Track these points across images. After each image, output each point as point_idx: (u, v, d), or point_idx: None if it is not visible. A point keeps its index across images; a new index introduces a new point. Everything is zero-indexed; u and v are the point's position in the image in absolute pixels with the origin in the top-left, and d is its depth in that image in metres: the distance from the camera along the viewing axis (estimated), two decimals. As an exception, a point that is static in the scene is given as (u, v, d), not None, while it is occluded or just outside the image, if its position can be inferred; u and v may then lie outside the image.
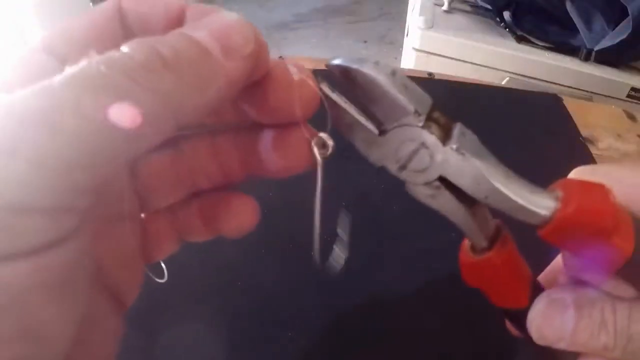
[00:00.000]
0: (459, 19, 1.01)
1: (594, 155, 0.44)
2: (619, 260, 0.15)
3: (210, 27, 0.13)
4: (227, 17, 0.13)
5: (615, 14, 0.86)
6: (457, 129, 0.16)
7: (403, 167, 0.16)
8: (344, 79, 0.15)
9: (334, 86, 0.15)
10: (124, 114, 0.10)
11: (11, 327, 0.09)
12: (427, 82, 0.52)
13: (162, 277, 0.19)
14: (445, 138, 0.15)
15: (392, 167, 0.16)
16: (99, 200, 0.11)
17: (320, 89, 0.15)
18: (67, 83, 0.10)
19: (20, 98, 0.10)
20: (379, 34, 2.20)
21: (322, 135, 0.15)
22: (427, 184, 0.16)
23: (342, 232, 0.20)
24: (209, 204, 0.18)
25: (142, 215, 0.17)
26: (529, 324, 0.17)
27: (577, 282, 0.17)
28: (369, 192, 0.37)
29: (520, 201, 0.15)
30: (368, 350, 0.28)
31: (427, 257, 0.33)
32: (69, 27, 0.14)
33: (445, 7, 1.01)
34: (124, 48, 0.11)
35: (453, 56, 0.94)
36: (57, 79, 0.10)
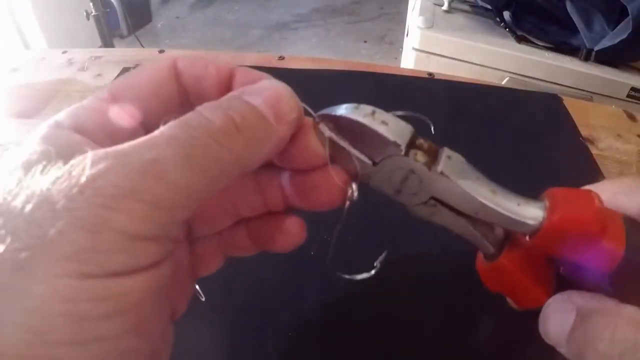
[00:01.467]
0: (459, 19, 1.01)
1: (594, 155, 0.44)
2: (612, 261, 0.15)
3: (264, 94, 0.15)
4: (278, 86, 0.16)
5: (615, 14, 0.86)
6: (444, 153, 0.17)
7: (399, 192, 0.18)
8: (335, 123, 0.17)
9: (330, 127, 0.17)
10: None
11: (128, 324, 0.12)
12: (427, 82, 0.52)
13: (202, 296, 0.21)
14: (432, 162, 0.17)
15: (390, 192, 0.18)
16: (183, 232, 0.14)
17: (318, 129, 0.17)
18: (169, 143, 0.13)
19: (136, 150, 0.13)
20: (379, 34, 2.20)
21: (354, 186, 0.18)
22: (424, 203, 0.17)
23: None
24: (257, 226, 0.20)
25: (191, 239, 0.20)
26: (539, 323, 0.17)
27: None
28: (369, 192, 0.37)
29: (508, 214, 0.16)
30: (368, 350, 0.28)
31: (427, 257, 0.33)
32: (130, 80, 0.17)
33: (445, 7, 1.01)
34: (203, 111, 0.14)
35: (453, 56, 0.94)
36: (160, 137, 0.13)
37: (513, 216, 0.16)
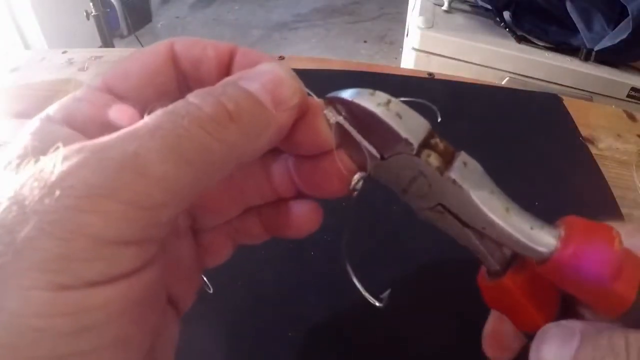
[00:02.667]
0: (459, 19, 1.01)
1: (594, 155, 0.44)
2: (621, 307, 0.14)
3: (262, 79, 0.14)
4: (277, 69, 0.14)
5: (615, 14, 0.86)
6: (459, 158, 0.16)
7: (405, 191, 0.16)
8: (346, 108, 0.16)
9: (339, 110, 0.16)
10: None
11: (109, 337, 0.11)
12: (427, 82, 0.52)
13: (209, 288, 0.20)
14: (445, 166, 0.15)
15: (396, 190, 0.17)
16: (169, 232, 0.13)
17: (325, 115, 0.16)
18: (153, 135, 0.12)
19: (114, 144, 0.11)
20: (379, 34, 2.20)
21: (358, 175, 0.17)
22: (430, 208, 0.16)
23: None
24: (269, 213, 0.19)
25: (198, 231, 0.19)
26: (532, 347, 0.16)
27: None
28: (369, 192, 0.37)
29: (519, 236, 0.15)
30: (368, 350, 0.28)
31: (427, 257, 0.33)
32: (125, 68, 0.16)
33: (445, 7, 1.01)
34: (193, 99, 0.13)
35: (453, 56, 0.94)
36: (142, 128, 0.12)
37: (523, 240, 0.15)
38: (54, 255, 0.10)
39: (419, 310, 0.30)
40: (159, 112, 0.12)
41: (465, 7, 1.05)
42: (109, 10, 1.53)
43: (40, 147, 0.12)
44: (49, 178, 0.11)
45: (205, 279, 0.20)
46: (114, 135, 0.12)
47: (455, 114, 0.46)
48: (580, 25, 0.89)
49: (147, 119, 0.12)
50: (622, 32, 0.83)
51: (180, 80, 0.16)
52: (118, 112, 0.15)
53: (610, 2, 0.86)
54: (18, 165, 0.11)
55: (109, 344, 0.11)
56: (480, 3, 1.00)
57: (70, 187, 0.11)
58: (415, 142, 0.15)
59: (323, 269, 0.31)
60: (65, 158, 0.11)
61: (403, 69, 0.76)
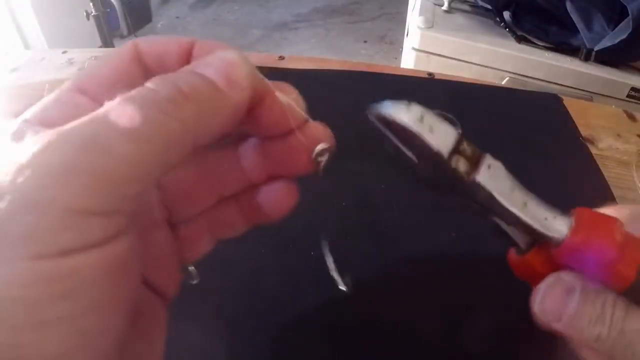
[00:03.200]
0: (459, 19, 1.01)
1: (594, 155, 0.44)
2: (620, 285, 0.17)
3: (216, 65, 0.15)
4: (229, 55, 0.15)
5: (615, 14, 0.87)
6: (485, 161, 0.18)
7: (436, 185, 0.19)
8: (382, 121, 0.18)
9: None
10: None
11: (83, 303, 0.12)
12: (427, 82, 0.52)
13: (193, 279, 0.21)
14: (471, 170, 0.18)
15: (428, 182, 0.19)
16: (138, 208, 0.14)
17: (371, 118, 0.18)
18: (112, 115, 0.13)
19: (77, 127, 0.12)
20: (379, 34, 2.20)
21: (320, 146, 0.18)
22: (460, 195, 0.19)
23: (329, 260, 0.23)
24: (246, 201, 0.20)
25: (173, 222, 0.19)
26: (533, 297, 0.19)
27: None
28: (369, 192, 0.37)
29: (536, 226, 0.18)
30: (368, 350, 0.28)
31: (427, 257, 0.33)
32: (94, 70, 0.17)
33: (445, 7, 1.01)
34: (150, 84, 0.14)
35: (453, 56, 0.94)
36: (103, 112, 0.13)
37: (539, 229, 0.18)
38: (29, 227, 0.11)
39: (420, 311, 0.30)
40: (118, 98, 0.13)
41: (465, 7, 1.05)
42: (109, 10, 1.54)
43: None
44: (19, 159, 0.12)
45: (192, 269, 0.21)
46: (77, 120, 0.13)
47: (455, 114, 0.46)
48: (580, 25, 0.89)
49: (107, 104, 0.13)
50: (622, 32, 0.83)
51: (147, 77, 0.17)
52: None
53: (610, 2, 0.86)
54: None
55: (83, 310, 0.12)
56: (480, 3, 1.00)
57: (39, 165, 0.12)
58: (446, 151, 0.17)
59: (323, 269, 0.31)
60: (34, 142, 0.12)
61: (403, 69, 0.76)
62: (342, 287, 0.22)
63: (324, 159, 0.18)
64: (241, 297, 0.29)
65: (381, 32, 2.21)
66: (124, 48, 0.17)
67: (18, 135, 0.14)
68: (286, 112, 0.17)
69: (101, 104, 0.15)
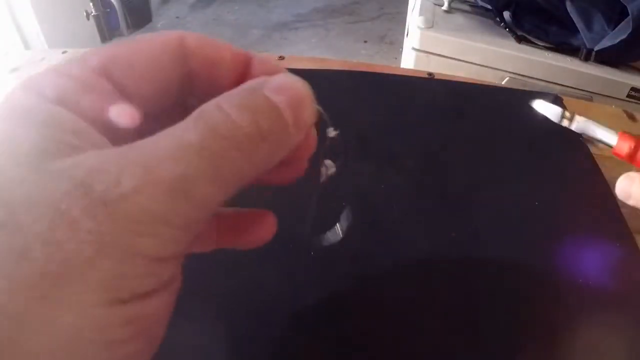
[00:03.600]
0: (459, 19, 1.01)
1: (594, 155, 0.44)
2: None
3: (287, 94, 0.14)
4: (300, 87, 0.14)
5: (615, 14, 0.86)
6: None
7: None
8: None
9: None
10: None
11: (148, 340, 0.13)
12: (427, 82, 0.52)
13: None
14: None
15: None
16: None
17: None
18: (200, 155, 0.12)
19: (162, 163, 0.11)
20: (379, 34, 2.20)
21: (327, 162, 0.18)
22: None
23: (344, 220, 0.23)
24: (224, 221, 0.19)
25: None
26: (621, 183, 0.28)
27: None
28: (369, 192, 0.37)
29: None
30: (368, 350, 0.28)
31: (427, 257, 0.33)
32: (130, 57, 0.15)
33: (445, 7, 1.01)
34: (229, 110, 0.13)
35: (453, 56, 0.94)
36: (189, 148, 0.12)
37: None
38: (112, 275, 0.11)
39: (420, 311, 0.30)
40: (200, 125, 0.12)
41: (465, 7, 1.05)
42: (109, 10, 1.53)
43: (51, 135, 0.12)
44: (104, 198, 0.11)
45: None
46: (162, 149, 0.12)
47: (455, 114, 0.46)
48: (580, 25, 0.89)
49: (185, 131, 0.12)
50: (622, 32, 0.83)
51: (185, 79, 0.16)
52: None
53: (610, 2, 0.86)
54: (41, 162, 0.11)
55: (145, 347, 0.13)
56: (480, 3, 1.00)
57: (128, 211, 0.11)
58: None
59: (323, 269, 0.31)
60: (120, 178, 0.11)
61: (403, 69, 0.76)
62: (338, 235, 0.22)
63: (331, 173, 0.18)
64: (240, 297, 0.29)
65: (381, 32, 2.20)
66: (169, 39, 0.15)
67: (31, 115, 0.12)
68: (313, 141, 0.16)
69: (129, 97, 0.14)
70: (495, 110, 0.49)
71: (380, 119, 0.44)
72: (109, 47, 0.15)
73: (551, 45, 0.93)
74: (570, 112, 0.34)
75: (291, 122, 0.14)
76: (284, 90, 0.14)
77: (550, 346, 0.28)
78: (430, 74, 0.53)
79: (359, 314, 0.29)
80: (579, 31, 0.90)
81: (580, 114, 0.49)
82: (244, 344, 0.27)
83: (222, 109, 0.13)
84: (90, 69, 0.14)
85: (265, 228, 0.19)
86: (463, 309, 0.30)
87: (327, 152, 0.18)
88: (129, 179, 0.11)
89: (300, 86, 0.14)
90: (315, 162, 0.18)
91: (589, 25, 0.89)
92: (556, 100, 0.52)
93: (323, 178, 0.18)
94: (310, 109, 0.14)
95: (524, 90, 0.55)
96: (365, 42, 2.14)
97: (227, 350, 0.27)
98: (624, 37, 0.82)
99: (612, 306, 0.31)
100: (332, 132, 0.18)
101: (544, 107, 0.38)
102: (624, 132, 0.35)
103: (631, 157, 0.34)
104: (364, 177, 0.38)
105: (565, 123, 0.35)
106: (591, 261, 0.33)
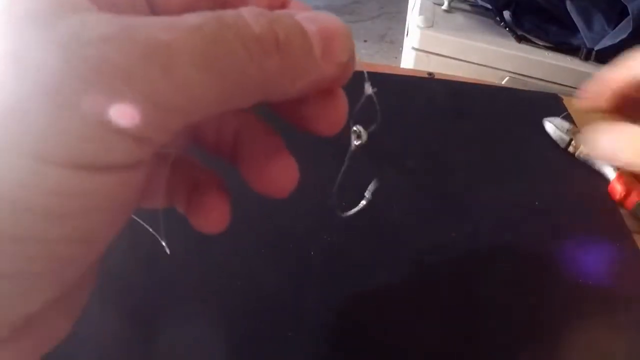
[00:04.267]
0: (459, 18, 1.01)
1: (594, 155, 0.44)
2: None
3: (320, 25, 0.13)
4: (336, 22, 0.13)
5: (616, 14, 0.86)
6: None
7: None
8: None
9: None
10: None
11: (83, 228, 0.11)
12: (427, 82, 0.52)
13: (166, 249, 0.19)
14: None
15: None
16: (167, 143, 0.12)
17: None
18: (192, 32, 0.10)
19: (146, 26, 0.10)
20: (379, 33, 2.20)
21: (358, 127, 0.18)
22: None
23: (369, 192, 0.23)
24: (193, 190, 0.17)
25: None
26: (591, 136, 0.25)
27: None
28: (373, 196, 0.37)
29: None
30: (368, 350, 0.28)
31: (427, 257, 0.33)
32: None
33: (445, 7, 1.01)
34: (245, 14, 0.11)
35: (453, 56, 0.94)
36: (183, 23, 0.10)
37: None
38: (58, 131, 0.09)
39: (420, 311, 0.30)
40: (205, 13, 0.11)
41: (465, 6, 1.05)
42: (108, 9, 1.53)
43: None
44: (75, 36, 0.10)
45: (163, 242, 0.19)
46: (151, 19, 0.10)
47: (455, 114, 0.46)
48: (580, 24, 0.89)
49: (189, 15, 0.11)
50: (622, 32, 0.83)
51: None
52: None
53: (610, 1, 0.86)
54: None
55: (81, 233, 0.11)
56: (480, 3, 1.00)
57: (86, 58, 0.10)
58: None
59: (323, 269, 0.31)
60: (94, 24, 0.10)
61: (403, 68, 0.76)
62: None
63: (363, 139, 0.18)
64: (240, 297, 0.29)
65: (381, 32, 2.20)
66: None
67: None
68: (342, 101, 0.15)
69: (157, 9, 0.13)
70: (495, 110, 0.49)
71: (380, 118, 0.44)
72: None
73: (551, 45, 0.93)
74: (576, 141, 0.37)
75: (319, 49, 0.13)
76: (316, 20, 0.13)
77: (551, 346, 0.28)
78: (430, 73, 0.53)
79: (359, 313, 0.29)
80: (579, 31, 0.90)
81: (580, 114, 0.49)
82: (243, 344, 0.27)
83: (237, 11, 0.11)
84: None
85: (286, 173, 0.17)
86: (463, 309, 0.30)
87: (358, 112, 0.17)
88: (105, 27, 0.10)
89: (335, 20, 0.13)
90: (346, 125, 0.16)
91: (589, 25, 0.89)
92: (553, 101, 0.52)
93: (352, 147, 0.17)
94: (344, 44, 0.13)
95: (524, 90, 0.55)
96: (366, 41, 2.14)
97: (226, 350, 0.27)
98: (624, 36, 0.82)
99: (612, 306, 0.31)
100: (369, 89, 0.17)
101: (552, 130, 0.42)
102: (621, 174, 0.36)
103: (622, 200, 0.36)
104: (364, 177, 0.37)
105: (571, 149, 0.39)
106: (591, 261, 0.33)
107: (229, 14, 0.11)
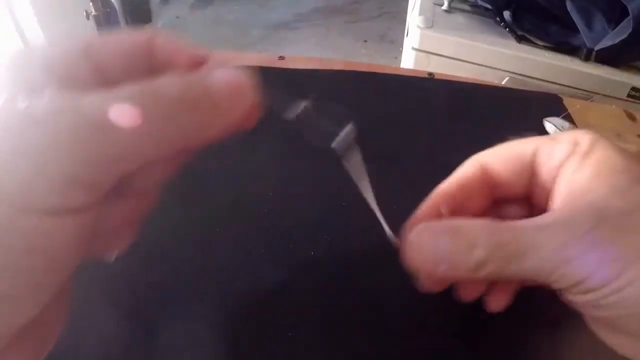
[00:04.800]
0: (459, 18, 1.01)
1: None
2: None
3: (227, 82, 0.15)
4: (241, 76, 0.16)
5: (616, 14, 0.86)
6: None
7: None
8: None
9: None
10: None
11: (44, 262, 0.13)
12: (427, 82, 0.52)
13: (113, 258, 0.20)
14: None
15: None
16: (112, 187, 0.15)
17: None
18: (124, 102, 0.13)
19: (92, 101, 0.13)
20: (378, 33, 2.20)
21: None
22: None
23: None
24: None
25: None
26: (407, 249, 0.20)
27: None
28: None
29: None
30: (368, 350, 0.28)
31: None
32: (108, 45, 0.17)
33: (445, 7, 1.01)
34: (164, 83, 0.14)
35: (453, 56, 0.94)
36: (117, 94, 0.13)
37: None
38: (25, 180, 0.12)
39: (420, 311, 0.30)
40: (133, 87, 0.14)
41: (465, 6, 1.05)
42: (109, 10, 1.53)
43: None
44: (35, 116, 0.13)
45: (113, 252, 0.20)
46: (93, 94, 0.13)
47: (455, 114, 0.46)
48: (580, 24, 0.89)
49: (120, 91, 0.14)
50: (622, 32, 0.83)
51: (152, 73, 0.17)
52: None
53: (610, 1, 0.86)
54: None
55: (42, 266, 0.13)
56: (480, 3, 1.00)
57: (48, 127, 0.13)
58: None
59: (323, 269, 0.31)
60: (52, 101, 0.13)
61: (403, 68, 0.76)
62: (392, 239, 0.23)
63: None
64: (240, 298, 0.29)
65: (381, 32, 2.20)
66: (140, 35, 0.17)
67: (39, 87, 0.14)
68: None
69: (102, 77, 0.16)
70: (495, 110, 0.49)
71: (381, 118, 0.44)
72: (92, 35, 0.17)
73: (551, 45, 0.93)
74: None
75: (226, 104, 0.15)
76: (225, 77, 0.15)
77: (551, 345, 0.28)
78: (430, 73, 0.53)
79: (359, 313, 0.29)
80: (579, 31, 0.90)
81: (580, 114, 0.49)
82: (243, 344, 0.27)
83: (158, 82, 0.14)
84: (70, 51, 0.16)
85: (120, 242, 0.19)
86: (463, 308, 0.30)
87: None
88: (63, 101, 0.13)
89: (242, 75, 0.16)
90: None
91: (589, 25, 0.89)
92: (553, 101, 0.52)
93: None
94: (247, 96, 0.16)
95: (524, 90, 0.55)
96: (365, 41, 2.14)
97: (227, 349, 0.27)
98: (624, 36, 0.82)
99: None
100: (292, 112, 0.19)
101: (552, 130, 0.43)
102: None
103: None
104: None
105: None
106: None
107: (150, 85, 0.14)
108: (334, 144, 0.20)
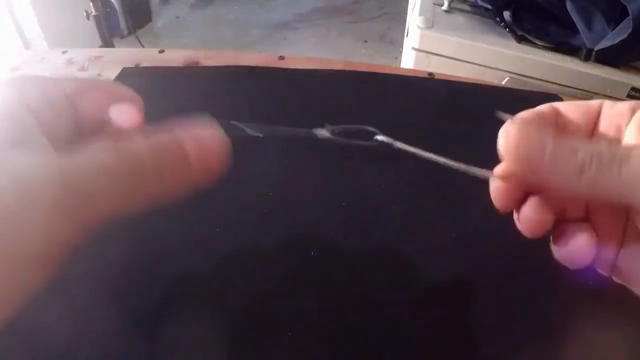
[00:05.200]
0: (459, 18, 1.01)
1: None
2: None
3: (197, 142, 0.16)
4: (211, 136, 0.17)
5: (616, 14, 0.86)
6: None
7: None
8: None
9: None
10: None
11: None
12: (427, 82, 0.52)
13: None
14: None
15: None
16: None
17: None
18: (103, 169, 0.14)
19: (79, 162, 0.14)
20: (378, 33, 2.20)
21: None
22: None
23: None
24: None
25: None
26: (510, 142, 0.19)
27: None
28: (369, 192, 0.37)
29: None
30: (368, 350, 0.28)
31: (427, 257, 0.33)
32: (47, 90, 0.19)
33: (445, 7, 1.01)
34: (137, 144, 0.15)
35: (453, 56, 0.94)
36: (92, 165, 0.14)
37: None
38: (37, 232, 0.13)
39: (420, 311, 0.30)
40: (108, 145, 0.15)
41: (465, 7, 1.05)
42: (109, 10, 1.53)
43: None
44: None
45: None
46: (71, 157, 0.14)
47: (455, 114, 0.46)
48: (580, 25, 0.89)
49: (97, 151, 0.15)
50: (622, 32, 0.83)
51: (78, 122, 0.19)
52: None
53: (610, 1, 0.86)
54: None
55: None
56: (480, 3, 1.00)
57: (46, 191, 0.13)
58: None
59: (323, 269, 0.31)
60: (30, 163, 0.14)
61: (403, 68, 0.76)
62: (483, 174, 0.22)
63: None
64: (241, 297, 0.29)
65: (381, 32, 2.20)
66: (58, 97, 0.19)
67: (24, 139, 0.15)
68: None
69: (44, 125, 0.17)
70: (495, 110, 0.49)
71: (381, 118, 0.44)
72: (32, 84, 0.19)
73: (551, 45, 0.93)
74: None
75: (195, 164, 0.16)
76: (195, 138, 0.16)
77: (551, 345, 0.28)
78: (430, 73, 0.53)
79: (359, 313, 0.29)
80: (579, 31, 0.90)
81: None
82: (243, 344, 0.27)
83: (132, 145, 0.15)
84: (13, 102, 0.17)
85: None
86: (463, 308, 0.30)
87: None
88: (41, 168, 0.14)
89: (211, 135, 0.17)
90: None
91: (589, 25, 0.89)
92: (554, 100, 0.52)
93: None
94: (216, 153, 0.17)
95: (524, 90, 0.55)
96: (366, 41, 2.14)
97: (227, 349, 0.27)
98: (624, 37, 0.82)
99: (612, 306, 0.31)
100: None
101: None
102: None
103: None
104: (364, 177, 0.38)
105: None
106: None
107: (124, 146, 0.15)
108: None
